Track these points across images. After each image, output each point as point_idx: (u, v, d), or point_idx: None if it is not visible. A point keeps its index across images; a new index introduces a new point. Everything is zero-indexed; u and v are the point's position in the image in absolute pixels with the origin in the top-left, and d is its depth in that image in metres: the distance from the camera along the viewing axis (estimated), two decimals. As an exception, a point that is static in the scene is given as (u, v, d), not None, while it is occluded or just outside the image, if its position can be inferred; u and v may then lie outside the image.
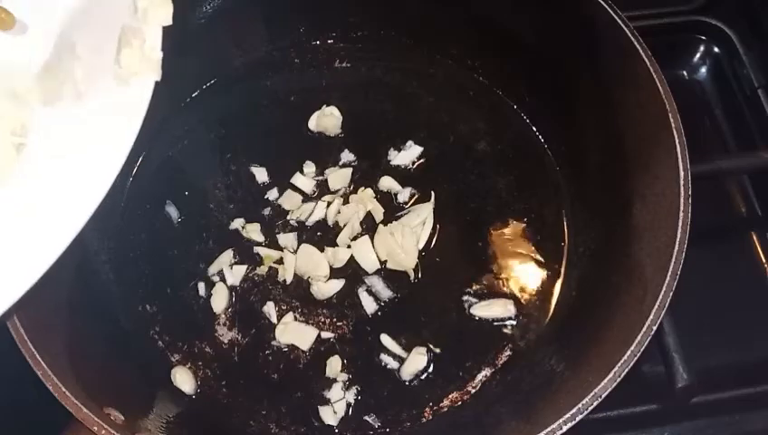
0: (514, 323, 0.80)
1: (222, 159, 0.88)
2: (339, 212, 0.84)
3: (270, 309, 0.80)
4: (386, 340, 0.78)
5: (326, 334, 0.79)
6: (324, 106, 0.90)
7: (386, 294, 0.81)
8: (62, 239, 0.58)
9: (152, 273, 0.83)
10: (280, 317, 0.80)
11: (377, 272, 0.82)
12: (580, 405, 0.61)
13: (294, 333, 0.79)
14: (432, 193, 0.85)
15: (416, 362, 0.77)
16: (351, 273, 0.82)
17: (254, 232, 0.84)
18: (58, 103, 0.62)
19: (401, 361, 0.78)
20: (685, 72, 0.99)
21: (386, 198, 0.85)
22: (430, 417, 0.76)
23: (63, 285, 0.74)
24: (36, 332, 0.63)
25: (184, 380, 0.77)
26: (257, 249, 0.83)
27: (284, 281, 0.82)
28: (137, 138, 0.60)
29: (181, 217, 0.85)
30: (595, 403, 0.61)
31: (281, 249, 0.83)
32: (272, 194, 0.86)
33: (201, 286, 0.81)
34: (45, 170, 0.61)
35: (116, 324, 0.79)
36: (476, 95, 0.92)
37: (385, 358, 0.78)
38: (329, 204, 0.85)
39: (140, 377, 0.77)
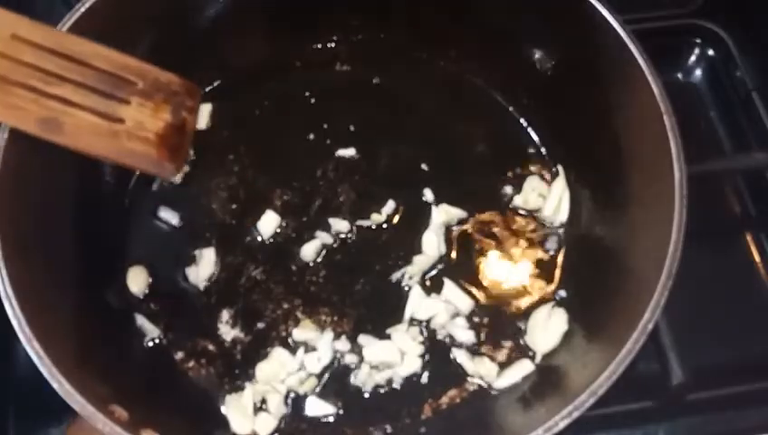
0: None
1: (224, 160, 0.89)
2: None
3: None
4: None
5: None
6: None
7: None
8: None
9: (153, 273, 0.83)
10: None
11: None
12: (576, 402, 0.62)
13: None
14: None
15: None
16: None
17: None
18: None
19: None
20: (680, 75, 1.00)
21: (385, 199, 0.86)
22: (430, 414, 0.77)
23: (67, 286, 0.74)
24: (41, 331, 0.64)
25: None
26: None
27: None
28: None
29: (183, 218, 0.86)
30: (592, 400, 0.62)
31: (282, 249, 0.84)
32: (272, 194, 0.87)
33: (203, 286, 0.82)
34: None
35: (118, 324, 0.80)
36: (475, 97, 0.93)
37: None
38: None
39: (143, 375, 0.77)
